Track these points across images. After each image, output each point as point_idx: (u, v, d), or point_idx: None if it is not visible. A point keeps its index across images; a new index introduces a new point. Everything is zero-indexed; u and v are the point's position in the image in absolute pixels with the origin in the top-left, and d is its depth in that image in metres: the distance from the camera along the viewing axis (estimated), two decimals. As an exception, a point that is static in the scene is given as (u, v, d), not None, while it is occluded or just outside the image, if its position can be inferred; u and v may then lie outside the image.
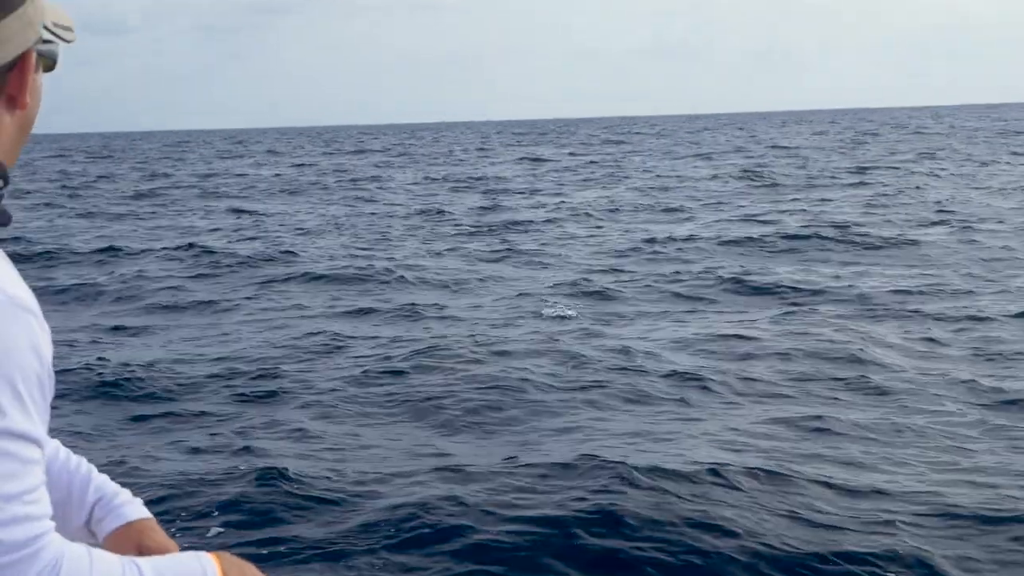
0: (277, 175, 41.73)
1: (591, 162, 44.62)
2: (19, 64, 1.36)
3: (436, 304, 11.92)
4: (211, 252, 16.72)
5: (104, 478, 1.65)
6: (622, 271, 14.27)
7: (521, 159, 49.19)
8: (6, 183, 1.38)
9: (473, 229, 20.05)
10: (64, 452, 1.62)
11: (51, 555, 1.22)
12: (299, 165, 50.74)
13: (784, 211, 20.99)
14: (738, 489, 5.54)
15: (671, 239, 17.24)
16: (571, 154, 53.25)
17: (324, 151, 70.47)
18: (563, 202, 25.00)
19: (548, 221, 21.09)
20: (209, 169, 49.58)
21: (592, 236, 18.43)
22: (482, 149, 66.12)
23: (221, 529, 5.35)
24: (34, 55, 1.39)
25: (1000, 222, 18.14)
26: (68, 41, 1.46)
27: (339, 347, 9.63)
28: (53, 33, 1.43)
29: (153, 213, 25.86)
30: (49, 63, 1.45)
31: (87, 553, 1.28)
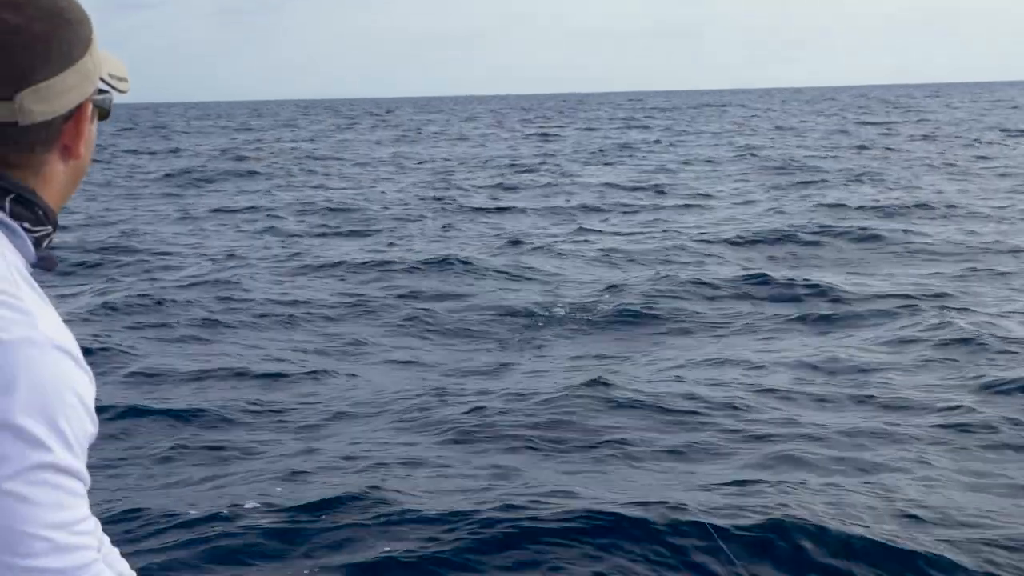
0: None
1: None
2: (76, 115, 1.41)
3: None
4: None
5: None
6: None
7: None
8: (55, 229, 1.45)
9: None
10: (106, 544, 1.64)
11: None
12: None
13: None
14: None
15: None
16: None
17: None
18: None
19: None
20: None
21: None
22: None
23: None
24: (90, 106, 1.44)
25: None
26: (122, 92, 1.51)
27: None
28: (108, 84, 1.47)
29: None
30: (103, 112, 1.49)
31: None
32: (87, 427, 1.31)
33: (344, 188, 24.90)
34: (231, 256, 14.35)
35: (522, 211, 19.59)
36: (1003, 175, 23.45)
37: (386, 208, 20.06)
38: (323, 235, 16.74)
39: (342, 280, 12.33)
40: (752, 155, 31.60)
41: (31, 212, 1.40)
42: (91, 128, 1.46)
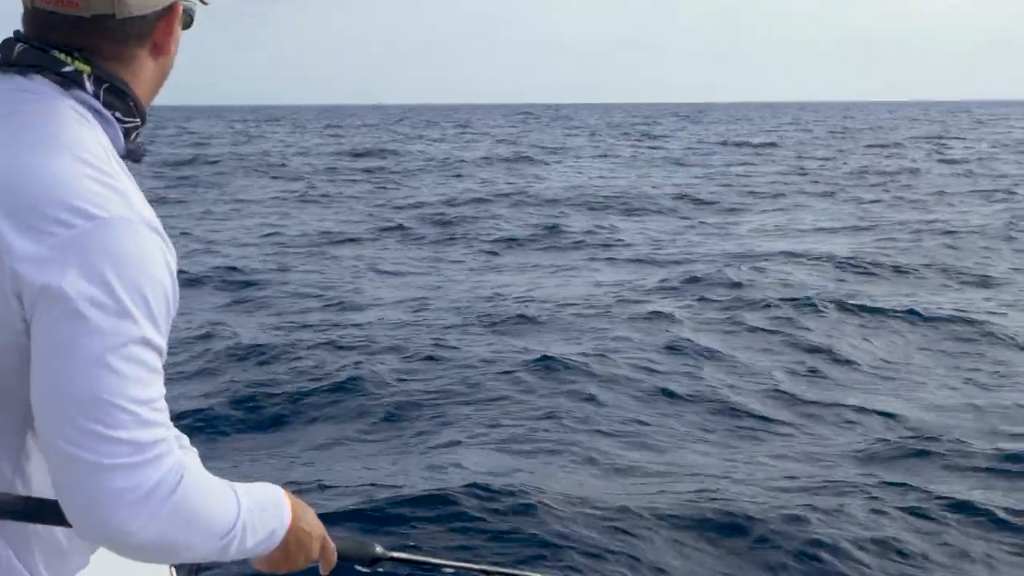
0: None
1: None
2: (168, 13, 1.48)
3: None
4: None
5: None
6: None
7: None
8: (143, 122, 1.49)
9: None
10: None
11: (174, 461, 1.30)
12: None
13: None
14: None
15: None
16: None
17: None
18: None
19: None
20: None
21: None
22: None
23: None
24: (181, 7, 1.50)
25: None
26: (205, 3, 1.57)
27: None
28: None
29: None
30: (188, 20, 1.54)
31: (199, 466, 1.38)
32: (171, 304, 1.35)
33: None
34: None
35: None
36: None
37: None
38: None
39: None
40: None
41: (123, 103, 1.45)
42: (178, 29, 1.52)
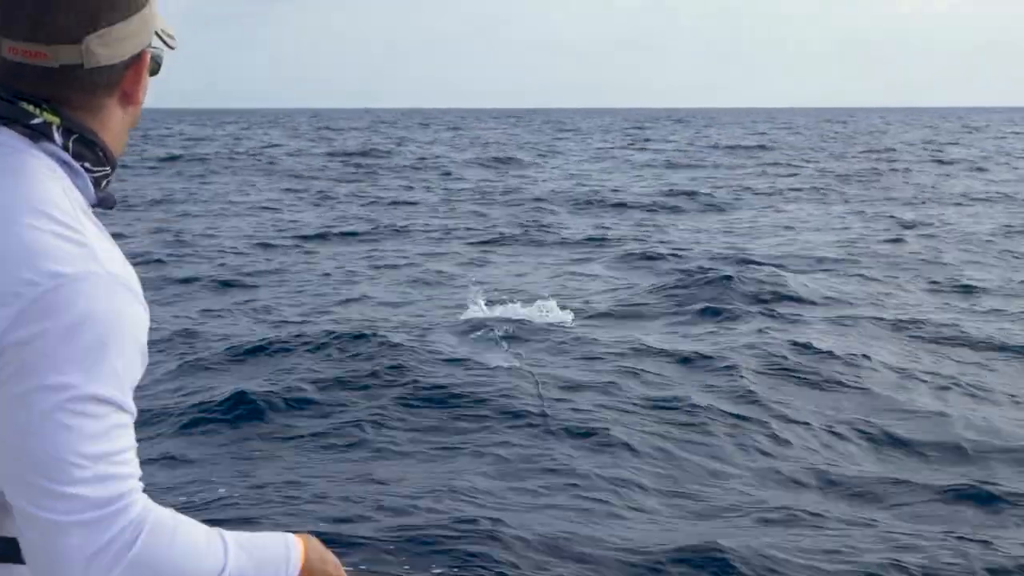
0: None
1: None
2: (137, 62, 1.46)
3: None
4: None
5: None
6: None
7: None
8: (113, 169, 1.49)
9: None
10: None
11: (134, 514, 1.27)
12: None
13: None
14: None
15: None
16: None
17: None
18: None
19: None
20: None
21: None
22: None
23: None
24: (149, 55, 1.49)
25: None
26: (171, 48, 1.55)
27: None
28: (161, 39, 1.52)
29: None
30: (155, 66, 1.53)
31: (172, 518, 1.33)
32: (138, 360, 1.34)
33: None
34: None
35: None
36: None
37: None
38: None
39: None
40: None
41: (92, 153, 1.44)
42: (147, 77, 1.51)
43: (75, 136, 1.42)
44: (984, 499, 5.91)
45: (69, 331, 1.26)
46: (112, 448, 1.27)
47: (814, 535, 5.33)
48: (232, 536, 1.40)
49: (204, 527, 1.38)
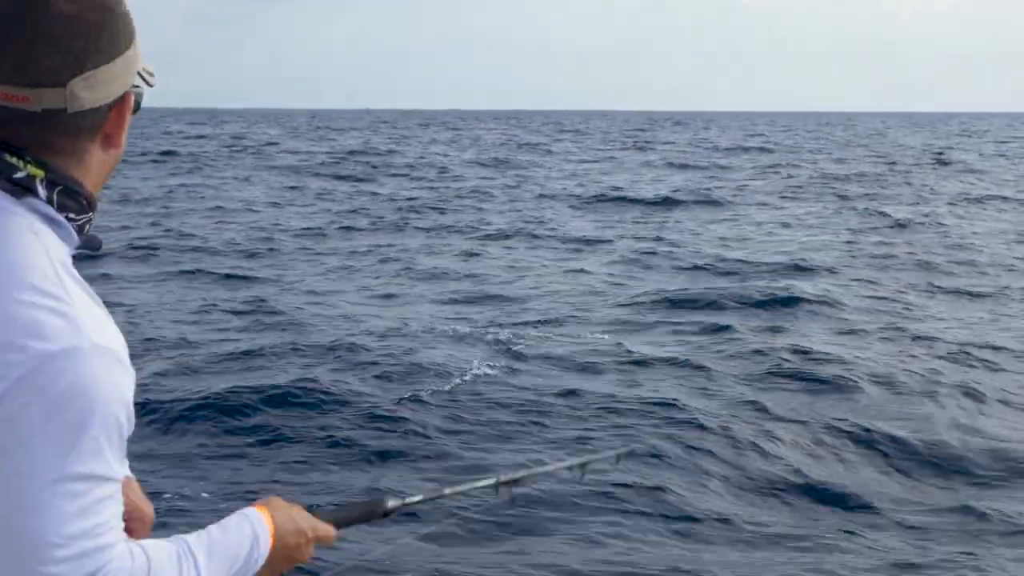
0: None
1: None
2: (120, 104, 1.44)
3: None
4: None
5: None
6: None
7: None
8: (94, 211, 1.45)
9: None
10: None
11: None
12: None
13: None
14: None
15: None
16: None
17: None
18: None
19: None
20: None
21: None
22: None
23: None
24: (132, 97, 1.46)
25: None
26: (151, 86, 1.52)
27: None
28: (143, 77, 1.49)
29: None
30: (136, 105, 1.50)
31: (145, 564, 1.34)
32: (124, 427, 1.32)
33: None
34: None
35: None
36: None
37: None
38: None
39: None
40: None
41: (76, 202, 1.41)
42: (129, 118, 1.48)
43: (59, 188, 1.39)
44: (980, 513, 5.82)
45: (53, 409, 1.24)
46: (93, 523, 1.27)
47: (813, 551, 5.24)
48: (202, 547, 1.42)
49: (175, 554, 1.39)
